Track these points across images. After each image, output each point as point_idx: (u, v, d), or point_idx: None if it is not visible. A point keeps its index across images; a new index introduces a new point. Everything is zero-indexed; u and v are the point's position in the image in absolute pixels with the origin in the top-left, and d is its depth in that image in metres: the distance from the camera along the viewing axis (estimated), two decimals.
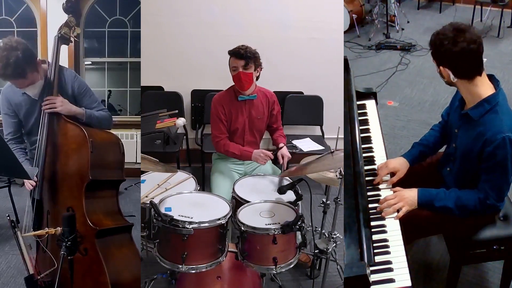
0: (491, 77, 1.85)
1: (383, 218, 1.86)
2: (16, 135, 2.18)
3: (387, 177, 2.05)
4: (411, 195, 1.89)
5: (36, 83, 2.02)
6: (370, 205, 1.89)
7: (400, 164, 2.09)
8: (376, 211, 1.86)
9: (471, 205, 1.83)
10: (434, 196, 1.88)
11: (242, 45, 2.46)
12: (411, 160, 2.13)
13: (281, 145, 2.66)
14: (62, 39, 2.07)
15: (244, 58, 2.42)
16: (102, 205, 2.06)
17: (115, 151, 2.11)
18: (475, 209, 1.83)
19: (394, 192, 1.95)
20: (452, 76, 1.79)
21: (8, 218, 1.92)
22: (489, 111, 1.77)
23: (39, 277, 1.95)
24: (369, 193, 1.96)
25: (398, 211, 1.86)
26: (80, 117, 2.06)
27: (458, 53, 1.70)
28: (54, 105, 1.98)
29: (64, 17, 2.08)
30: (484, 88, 1.80)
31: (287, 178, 2.41)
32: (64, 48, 2.13)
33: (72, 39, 2.10)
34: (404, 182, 2.06)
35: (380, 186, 2.03)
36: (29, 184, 2.02)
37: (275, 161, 2.66)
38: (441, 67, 1.81)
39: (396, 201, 1.87)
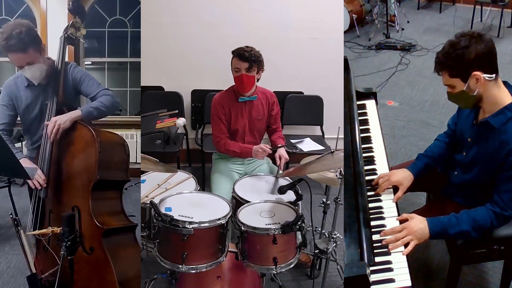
0: (505, 84, 1.81)
1: (383, 218, 1.86)
2: (8, 127, 2.19)
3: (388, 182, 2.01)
4: (420, 227, 1.75)
5: (36, 63, 2.04)
6: (370, 205, 1.88)
7: (404, 178, 2.00)
8: (381, 244, 1.72)
9: (487, 223, 1.75)
10: (446, 224, 1.76)
11: (247, 47, 2.44)
12: (416, 173, 2.04)
13: (279, 146, 2.66)
14: (68, 39, 2.11)
15: (248, 61, 2.40)
16: (107, 205, 2.07)
17: (120, 152, 2.13)
18: (492, 226, 1.77)
19: (400, 220, 1.83)
20: (487, 76, 1.71)
21: (10, 216, 1.92)
22: (511, 119, 1.72)
23: (43, 276, 1.95)
24: (369, 193, 1.95)
25: (406, 245, 1.73)
26: (80, 119, 2.05)
27: (485, 47, 1.68)
28: (56, 128, 1.97)
29: (63, 17, 2.10)
30: (503, 94, 1.76)
31: (287, 178, 2.41)
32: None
33: (78, 39, 2.14)
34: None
35: (382, 198, 1.98)
36: (36, 183, 2.00)
37: (274, 161, 2.66)
38: (473, 74, 1.70)
39: (404, 234, 1.73)
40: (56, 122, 1.97)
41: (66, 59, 2.16)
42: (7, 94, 2.15)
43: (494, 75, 1.73)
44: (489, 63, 1.72)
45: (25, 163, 2.05)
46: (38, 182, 2.00)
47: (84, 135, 1.99)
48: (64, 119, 1.99)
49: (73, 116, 2.02)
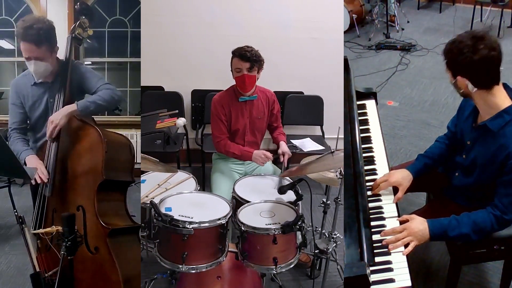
0: (505, 86, 1.78)
1: (383, 218, 1.86)
2: (21, 125, 2.20)
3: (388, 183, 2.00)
4: (421, 229, 1.75)
5: (43, 61, 2.06)
6: (370, 205, 1.88)
7: (403, 178, 1.99)
8: (381, 244, 1.73)
9: (488, 226, 1.75)
10: (446, 226, 1.76)
11: (248, 46, 2.44)
12: (415, 173, 2.03)
13: (281, 142, 2.66)
14: (76, 39, 2.13)
15: (249, 61, 2.40)
16: (112, 205, 2.07)
17: (126, 153, 2.13)
18: (492, 229, 1.77)
19: (401, 221, 1.84)
20: (470, 86, 1.71)
21: (16, 213, 1.92)
22: (510, 122, 1.70)
23: (46, 274, 1.95)
24: (369, 193, 1.96)
25: (406, 245, 1.73)
26: (76, 113, 2.03)
27: (478, 61, 1.64)
28: (52, 126, 1.97)
29: (64, 17, 2.10)
30: (501, 98, 1.73)
31: (287, 178, 2.41)
32: (62, 48, 2.15)
33: (85, 40, 2.17)
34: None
35: (382, 198, 1.97)
36: (38, 178, 2.00)
37: (276, 160, 2.66)
38: (458, 77, 1.72)
39: (404, 235, 1.74)
40: (53, 122, 1.97)
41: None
42: (15, 92, 2.18)
43: (476, 89, 1.71)
44: (477, 76, 1.69)
45: (33, 159, 2.06)
46: (40, 178, 2.00)
47: (91, 135, 1.99)
48: (59, 117, 1.98)
49: (68, 111, 2.01)
